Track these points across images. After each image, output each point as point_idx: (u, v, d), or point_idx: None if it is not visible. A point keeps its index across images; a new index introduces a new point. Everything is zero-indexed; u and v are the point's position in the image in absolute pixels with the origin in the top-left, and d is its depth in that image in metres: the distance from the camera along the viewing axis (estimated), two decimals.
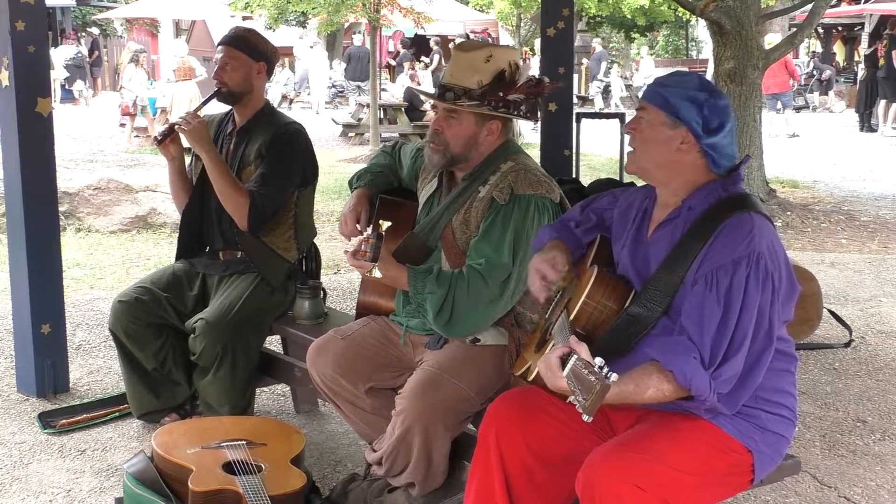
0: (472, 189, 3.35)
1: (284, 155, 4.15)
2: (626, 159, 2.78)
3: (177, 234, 4.49)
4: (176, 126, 4.11)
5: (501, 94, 3.29)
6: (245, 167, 4.16)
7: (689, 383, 2.44)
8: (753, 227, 2.56)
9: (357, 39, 25.50)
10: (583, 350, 2.35)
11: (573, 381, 2.28)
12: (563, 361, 2.36)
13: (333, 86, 26.97)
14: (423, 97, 16.74)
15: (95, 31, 31.61)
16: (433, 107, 3.46)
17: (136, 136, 17.11)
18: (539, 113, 3.43)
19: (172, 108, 15.89)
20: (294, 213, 4.25)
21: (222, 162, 4.10)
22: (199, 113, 4.16)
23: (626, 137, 2.78)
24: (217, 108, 4.30)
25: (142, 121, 17.56)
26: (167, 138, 4.17)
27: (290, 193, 4.19)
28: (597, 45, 28.09)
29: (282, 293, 4.24)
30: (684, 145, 2.65)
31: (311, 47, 25.52)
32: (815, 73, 25.70)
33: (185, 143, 4.19)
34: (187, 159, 4.36)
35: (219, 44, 4.24)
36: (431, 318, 3.29)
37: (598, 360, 2.27)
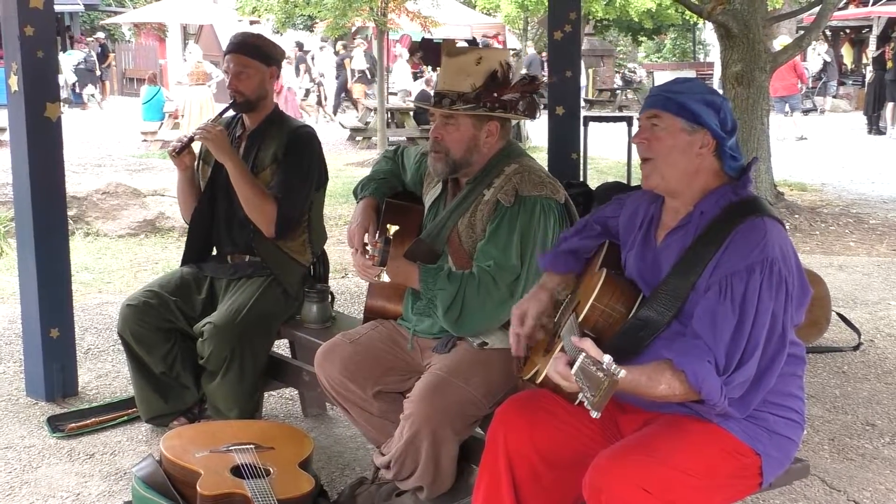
0: (476, 192, 3.36)
1: (302, 159, 4.16)
2: (641, 173, 2.75)
3: (185, 239, 4.50)
4: (196, 136, 4.10)
5: (496, 94, 3.30)
6: (260, 171, 4.17)
7: (700, 386, 2.44)
8: (766, 233, 2.56)
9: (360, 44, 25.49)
10: (590, 347, 2.35)
11: (581, 378, 2.28)
12: (571, 362, 2.36)
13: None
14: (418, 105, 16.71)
15: (101, 35, 31.69)
16: (430, 115, 3.47)
17: (145, 141, 17.16)
18: (537, 110, 3.44)
19: (185, 113, 15.92)
20: (308, 217, 4.26)
21: (247, 170, 4.10)
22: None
23: (637, 148, 2.76)
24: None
25: (150, 126, 17.61)
26: (185, 150, 4.18)
27: (309, 198, 4.21)
28: (530, 49, 27.37)
29: (291, 297, 4.25)
30: (703, 149, 2.66)
31: (321, 49, 25.54)
32: (822, 75, 25.62)
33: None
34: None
35: (228, 52, 4.23)
36: (441, 314, 3.29)
37: (607, 358, 2.28)
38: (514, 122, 3.54)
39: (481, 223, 3.33)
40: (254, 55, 4.19)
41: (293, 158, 4.15)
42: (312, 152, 4.22)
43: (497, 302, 3.25)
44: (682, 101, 2.65)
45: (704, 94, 2.68)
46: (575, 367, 2.31)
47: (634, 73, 30.69)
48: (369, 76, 22.94)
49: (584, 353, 2.31)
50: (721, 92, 9.95)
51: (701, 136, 2.65)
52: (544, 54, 26.02)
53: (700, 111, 2.64)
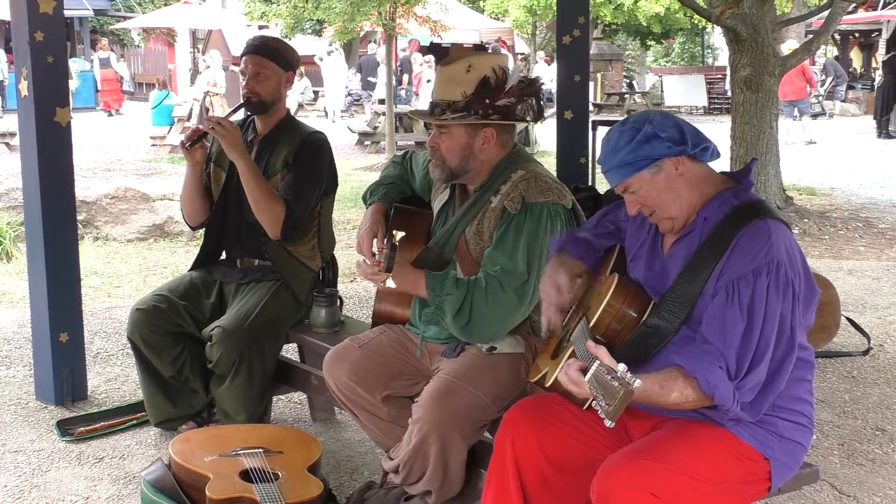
0: (483, 199, 3.36)
1: (313, 164, 4.16)
2: (654, 222, 2.75)
3: (194, 243, 4.51)
4: (209, 131, 4.10)
5: (488, 101, 3.29)
6: (271, 176, 4.16)
7: (713, 392, 2.44)
8: (771, 235, 2.56)
9: (371, 48, 25.50)
10: (604, 355, 2.35)
11: (595, 386, 2.28)
12: (584, 369, 2.36)
13: (349, 94, 27.02)
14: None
15: (105, 41, 31.82)
16: (426, 126, 3.48)
17: (154, 146, 17.20)
18: (542, 112, 3.43)
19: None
20: (317, 223, 4.27)
21: (258, 169, 4.09)
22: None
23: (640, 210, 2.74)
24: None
25: (159, 130, 17.67)
26: (197, 143, 4.18)
27: (317, 202, 4.21)
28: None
29: (300, 302, 4.25)
30: (679, 167, 2.65)
31: (329, 54, 25.56)
32: (836, 80, 25.58)
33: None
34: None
35: (247, 52, 4.22)
36: (449, 320, 3.29)
37: (621, 366, 2.27)
38: (519, 126, 3.53)
39: (489, 230, 3.33)
40: (272, 58, 4.19)
41: (304, 163, 4.15)
42: (323, 157, 4.22)
43: (505, 308, 3.25)
44: (626, 160, 2.63)
45: (634, 135, 2.63)
46: (589, 374, 2.30)
47: (633, 78, 30.57)
48: None
49: (598, 361, 2.31)
50: (730, 95, 9.96)
51: (668, 163, 2.64)
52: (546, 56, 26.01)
53: (647, 152, 2.62)
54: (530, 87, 3.36)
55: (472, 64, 3.32)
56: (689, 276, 2.63)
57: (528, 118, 3.39)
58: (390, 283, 3.26)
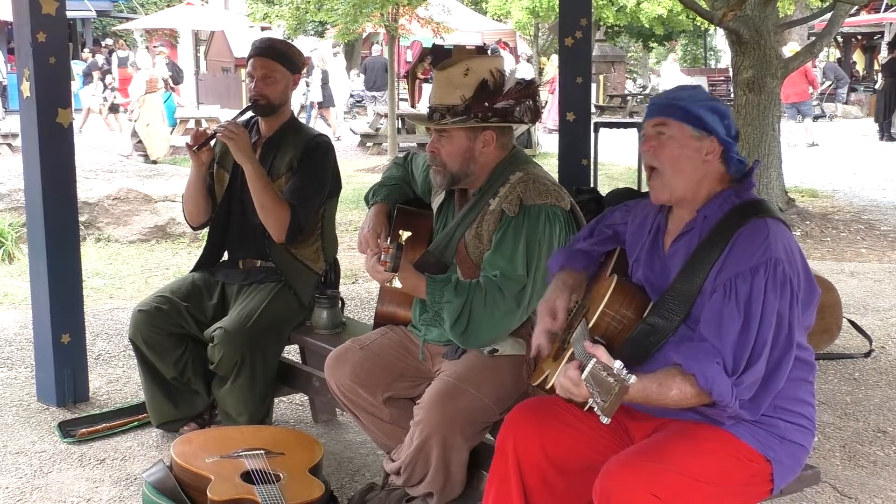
0: (482, 203, 3.36)
1: (318, 167, 4.17)
2: (649, 187, 2.74)
3: (196, 244, 4.51)
4: (217, 134, 4.11)
5: (487, 104, 3.29)
6: (275, 179, 4.16)
7: (711, 388, 2.44)
8: (769, 233, 2.57)
9: (375, 50, 25.51)
10: (601, 353, 2.35)
11: (591, 383, 2.29)
12: (582, 367, 2.36)
13: (351, 95, 26.98)
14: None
15: (109, 41, 31.77)
16: (427, 129, 3.47)
17: None
18: (539, 114, 3.43)
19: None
20: (321, 225, 4.27)
21: (265, 173, 4.10)
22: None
23: (643, 156, 2.74)
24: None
25: None
26: (204, 146, 4.18)
27: (321, 205, 4.21)
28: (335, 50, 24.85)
29: (302, 304, 4.25)
30: (710, 156, 2.66)
31: (335, 56, 25.51)
32: (835, 84, 25.57)
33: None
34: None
35: (255, 55, 4.21)
36: (448, 328, 3.29)
37: (618, 363, 2.28)
38: (520, 128, 3.54)
39: (488, 233, 3.32)
40: (281, 61, 4.20)
41: (309, 167, 4.15)
42: (327, 161, 4.22)
43: (504, 312, 3.25)
44: (687, 107, 2.65)
45: (708, 100, 2.69)
46: (585, 372, 2.31)
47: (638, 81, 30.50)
48: (172, 84, 21.73)
49: (594, 359, 2.32)
50: (732, 97, 9.97)
51: (708, 142, 2.65)
52: (557, 59, 25.93)
53: (706, 117, 2.64)
54: (528, 88, 3.37)
55: (469, 67, 3.31)
56: (688, 275, 2.63)
57: (526, 119, 3.39)
58: (396, 283, 3.26)
